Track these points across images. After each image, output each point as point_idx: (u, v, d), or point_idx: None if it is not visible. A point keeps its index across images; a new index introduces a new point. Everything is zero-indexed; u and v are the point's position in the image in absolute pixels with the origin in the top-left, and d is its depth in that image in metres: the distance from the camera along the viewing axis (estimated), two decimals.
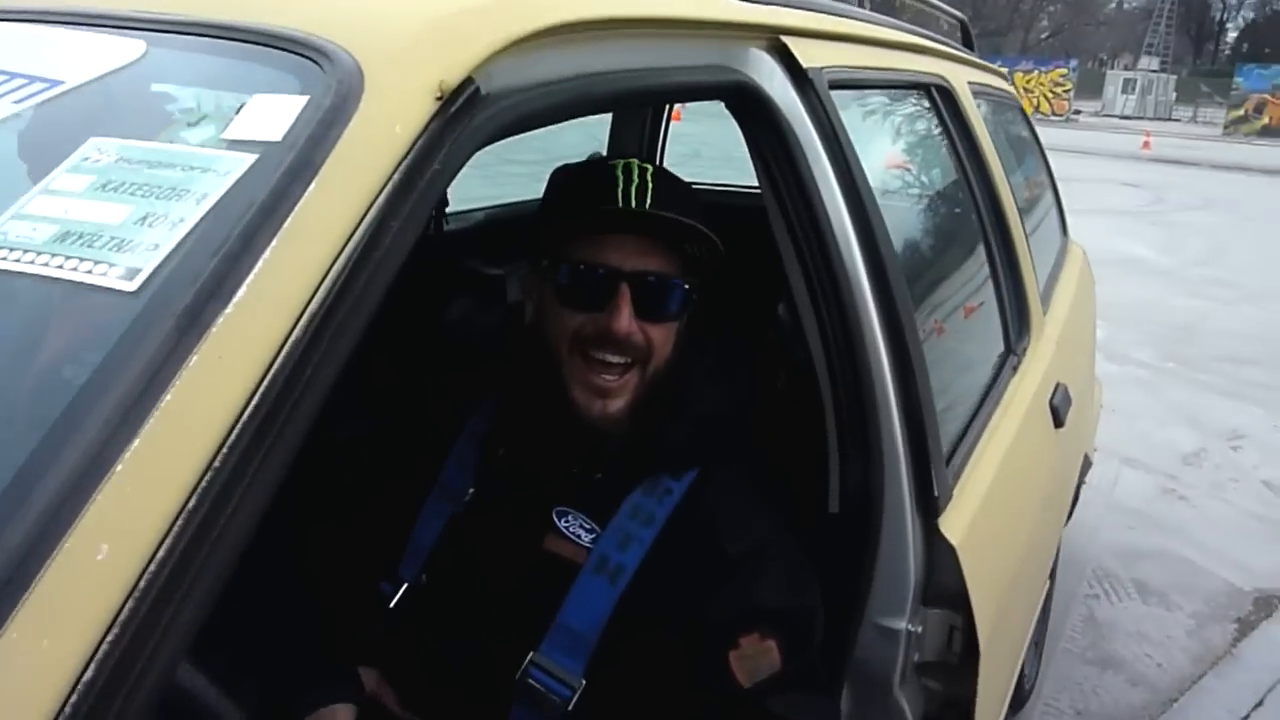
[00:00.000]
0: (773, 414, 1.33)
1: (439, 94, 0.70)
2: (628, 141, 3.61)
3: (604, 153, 3.63)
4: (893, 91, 1.76)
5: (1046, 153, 3.09)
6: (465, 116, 0.71)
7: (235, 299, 0.54)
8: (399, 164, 0.65)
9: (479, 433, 1.29)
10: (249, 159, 0.63)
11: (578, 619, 1.14)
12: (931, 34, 2.21)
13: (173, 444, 0.50)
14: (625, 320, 1.13)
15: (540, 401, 1.20)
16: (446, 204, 2.90)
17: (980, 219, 1.91)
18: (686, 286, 1.18)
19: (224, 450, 0.50)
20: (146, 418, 0.49)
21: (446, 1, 0.80)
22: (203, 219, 0.58)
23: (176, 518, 0.49)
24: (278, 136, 0.64)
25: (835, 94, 1.34)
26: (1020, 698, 2.53)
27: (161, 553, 0.48)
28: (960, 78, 2.05)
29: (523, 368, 1.23)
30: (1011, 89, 3.06)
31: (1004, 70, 2.98)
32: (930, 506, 1.28)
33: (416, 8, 0.78)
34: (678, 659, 1.14)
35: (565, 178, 1.26)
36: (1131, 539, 3.59)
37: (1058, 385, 2.02)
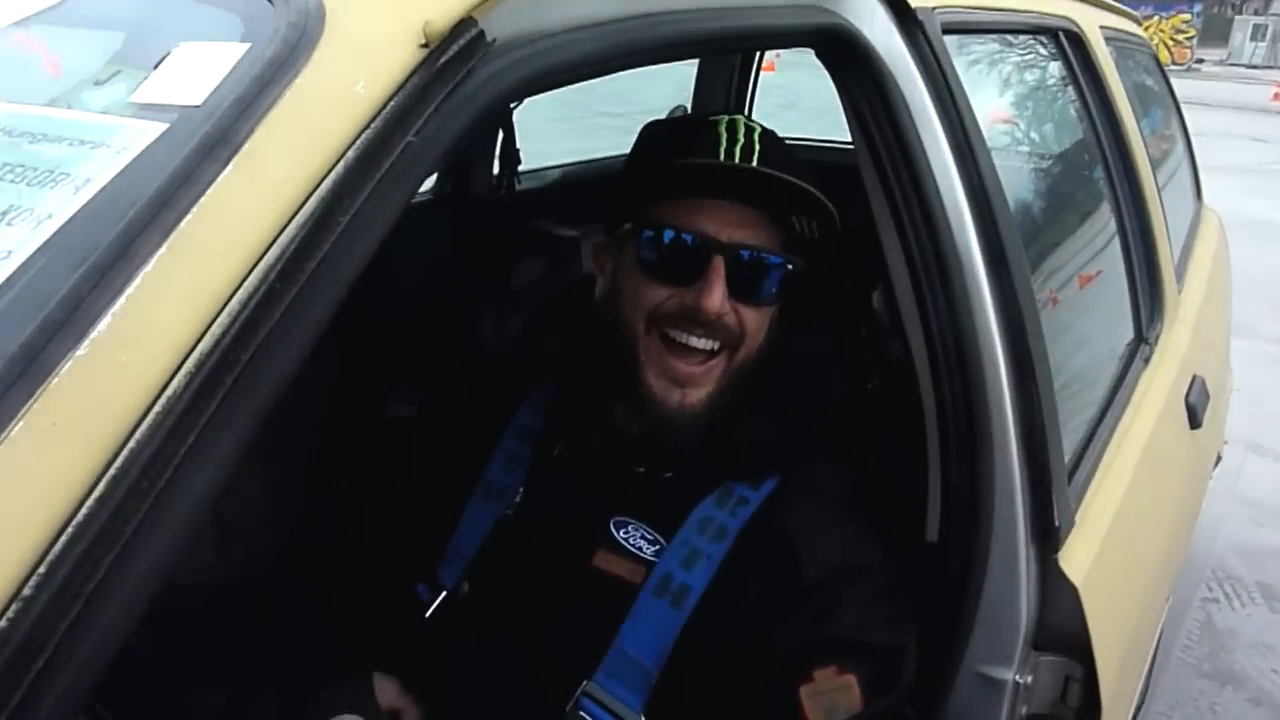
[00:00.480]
0: (862, 421, 1.14)
1: (424, 40, 0.53)
2: (713, 94, 3.39)
3: (689, 108, 3.43)
4: (1015, 37, 1.52)
5: (1181, 107, 2.76)
6: (461, 70, 0.53)
7: (91, 337, 0.38)
8: (356, 137, 0.47)
9: (531, 425, 1.15)
10: (155, 130, 0.46)
11: (637, 646, 0.98)
12: None
13: None
14: (718, 298, 0.97)
15: (607, 389, 1.05)
16: (519, 162, 2.74)
17: (1112, 185, 1.66)
18: (790, 266, 1.01)
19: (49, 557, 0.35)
20: None
21: None
22: (74, 217, 0.42)
23: None
24: (197, 99, 0.47)
25: (948, 39, 1.12)
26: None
27: None
28: (1091, 21, 1.78)
29: (589, 349, 1.07)
30: (1144, 34, 2.74)
31: (1135, 14, 2.65)
32: (1049, 536, 1.08)
33: None
34: (748, 695, 0.98)
35: (657, 132, 1.11)
36: (1257, 536, 3.27)
37: (1194, 378, 1.76)
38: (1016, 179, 1.40)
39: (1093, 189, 1.66)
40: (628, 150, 1.11)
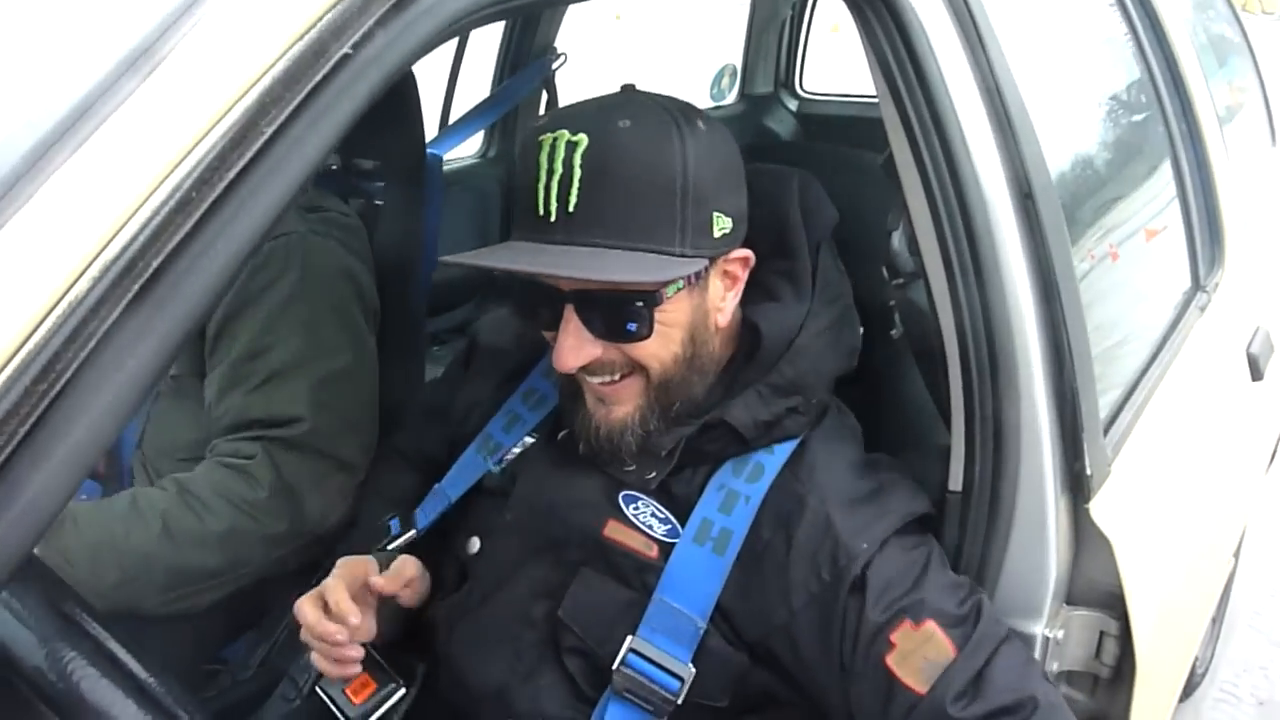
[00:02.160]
0: (883, 370, 1.10)
1: None
2: (763, 52, 3.32)
3: (738, 68, 3.37)
4: None
5: (1255, 52, 2.62)
6: None
7: None
8: (289, 49, 0.46)
9: (539, 390, 1.14)
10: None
11: (680, 597, 0.96)
12: None
13: None
14: (567, 355, 0.91)
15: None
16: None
17: (1168, 128, 1.57)
18: (642, 301, 0.91)
19: None
20: None
21: None
22: None
23: None
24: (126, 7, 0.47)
25: None
26: (1190, 683, 2.22)
27: None
28: None
29: None
30: None
31: None
32: (1080, 486, 1.03)
33: None
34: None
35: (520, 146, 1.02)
36: None
37: (1257, 329, 1.68)
38: (1058, 120, 1.34)
39: (1147, 134, 1.58)
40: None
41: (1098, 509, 1.04)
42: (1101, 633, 1.07)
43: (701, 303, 0.95)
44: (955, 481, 1.03)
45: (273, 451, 1.28)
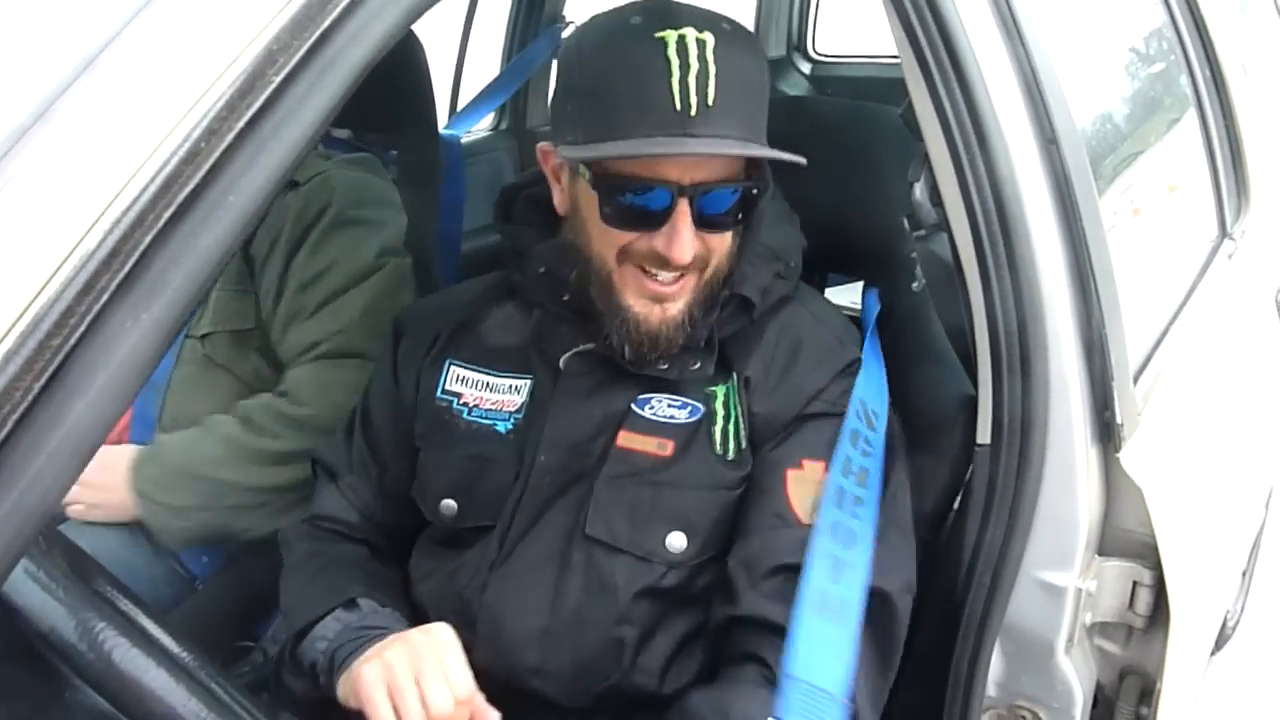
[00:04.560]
0: (906, 322, 1.09)
1: None
2: (775, 12, 3.28)
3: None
4: None
5: None
6: None
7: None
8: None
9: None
10: None
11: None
12: None
13: None
14: (685, 245, 0.95)
15: (589, 306, 1.03)
16: None
17: (1191, 76, 1.54)
18: (754, 188, 0.98)
19: None
20: None
21: None
22: None
23: None
24: None
25: None
26: (1222, 636, 2.21)
27: None
28: None
29: (562, 269, 1.04)
30: None
31: None
32: (1110, 435, 1.02)
33: None
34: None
35: (600, 49, 0.95)
36: None
37: None
38: (1082, 68, 1.31)
39: (1169, 80, 1.55)
40: None
41: (1128, 458, 1.02)
42: (1135, 583, 1.06)
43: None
44: (984, 434, 1.02)
45: (320, 370, 1.36)
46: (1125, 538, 1.04)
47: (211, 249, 0.41)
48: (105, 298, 0.36)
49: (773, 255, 1.07)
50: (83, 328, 0.36)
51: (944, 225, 1.01)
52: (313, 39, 0.44)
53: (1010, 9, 0.99)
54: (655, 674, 1.01)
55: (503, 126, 2.63)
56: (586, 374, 1.06)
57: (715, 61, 0.89)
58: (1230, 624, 2.27)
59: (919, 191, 1.06)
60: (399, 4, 0.50)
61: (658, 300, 0.99)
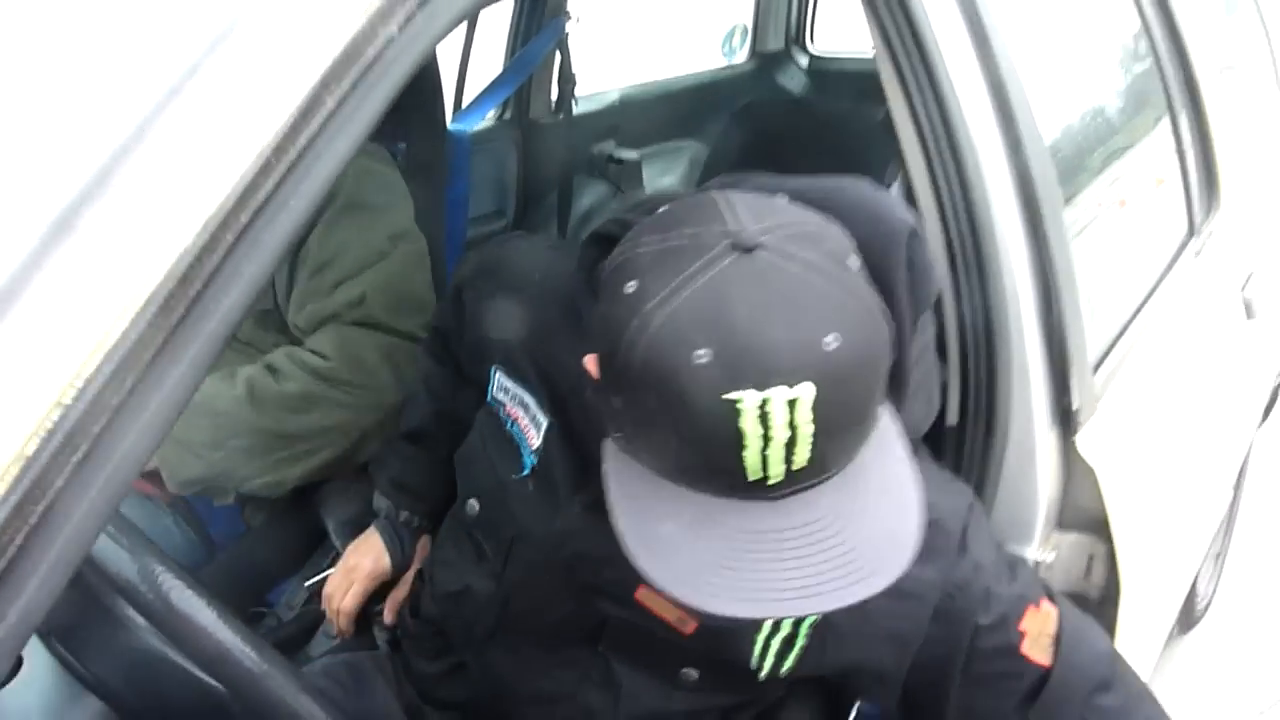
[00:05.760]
0: None
1: None
2: (773, 8, 3.35)
3: (749, 27, 3.39)
4: None
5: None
6: None
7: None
8: (344, 34, 0.53)
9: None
10: None
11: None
12: None
13: None
14: None
15: None
16: (574, 84, 2.76)
17: (1164, 80, 1.62)
18: None
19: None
20: None
21: None
22: None
23: None
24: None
25: None
26: (1192, 617, 2.30)
27: None
28: None
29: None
30: None
31: None
32: (1068, 420, 1.11)
33: None
34: None
35: (651, 373, 0.68)
36: None
37: (1252, 271, 1.73)
38: (1052, 74, 1.39)
39: (1140, 84, 1.62)
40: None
41: (1084, 441, 1.11)
42: (1090, 556, 1.15)
43: None
44: (953, 415, 1.10)
45: (340, 330, 1.43)
46: (1081, 514, 1.13)
47: (277, 243, 0.49)
48: (198, 286, 0.45)
49: None
50: (182, 310, 0.44)
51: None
52: (360, 70, 0.53)
53: (981, 24, 1.07)
54: None
55: (506, 117, 2.70)
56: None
57: (815, 420, 0.66)
58: (1201, 605, 2.37)
59: (895, 191, 1.14)
60: (431, 33, 0.58)
61: None
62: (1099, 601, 1.16)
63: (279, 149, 0.49)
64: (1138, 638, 1.30)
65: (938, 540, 0.87)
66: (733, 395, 0.65)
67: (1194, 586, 2.22)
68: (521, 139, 2.67)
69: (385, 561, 1.29)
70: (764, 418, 0.65)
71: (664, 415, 0.68)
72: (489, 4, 0.66)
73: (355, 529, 1.53)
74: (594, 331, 0.74)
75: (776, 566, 0.69)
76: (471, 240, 2.12)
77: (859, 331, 0.68)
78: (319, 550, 1.66)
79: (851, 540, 0.70)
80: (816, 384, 0.65)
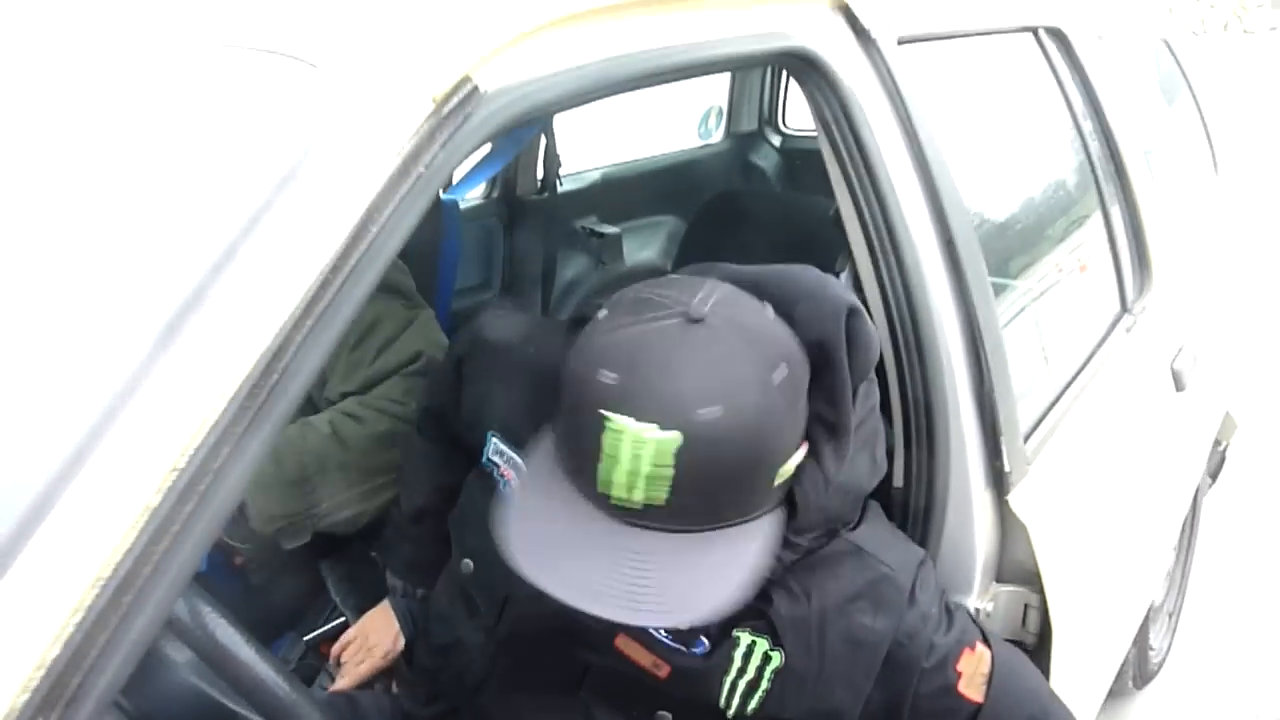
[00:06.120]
0: None
1: (435, 97, 0.72)
2: (746, 95, 3.55)
3: (724, 109, 3.59)
4: (991, 40, 1.66)
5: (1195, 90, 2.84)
6: (460, 117, 0.73)
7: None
8: (385, 170, 0.67)
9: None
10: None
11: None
12: None
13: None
14: None
15: None
16: (559, 164, 2.93)
17: (1093, 172, 1.79)
18: None
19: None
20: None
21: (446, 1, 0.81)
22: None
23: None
24: (273, 140, 0.68)
25: (913, 48, 1.28)
26: (1146, 672, 2.42)
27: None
28: (1081, 18, 1.91)
29: None
30: (1161, 21, 2.84)
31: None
32: (1000, 481, 1.24)
33: (417, 6, 0.80)
34: None
35: (573, 369, 0.85)
36: None
37: (1182, 346, 1.89)
38: (988, 171, 1.55)
39: (1072, 178, 1.79)
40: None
41: (1016, 500, 1.24)
42: (1025, 605, 1.27)
43: None
44: (899, 478, 1.23)
45: (405, 380, 1.60)
46: (1016, 567, 1.26)
47: (332, 338, 0.62)
48: (276, 377, 0.58)
49: (816, 528, 0.99)
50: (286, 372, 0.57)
51: (865, 308, 1.24)
52: (394, 205, 0.67)
53: (915, 132, 1.22)
54: None
55: (494, 195, 2.86)
56: None
57: (675, 467, 0.78)
58: (1156, 660, 2.48)
59: (844, 279, 1.29)
60: (451, 162, 0.72)
61: None
62: (1035, 647, 1.28)
63: (335, 268, 0.62)
64: (1076, 681, 1.42)
65: (889, 594, 1.01)
66: (610, 415, 0.78)
67: (1147, 642, 2.34)
68: (508, 215, 2.82)
69: (401, 643, 1.39)
70: (624, 443, 0.78)
71: (566, 411, 0.84)
72: (498, 137, 0.80)
73: (354, 584, 1.64)
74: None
75: (600, 568, 0.81)
76: (458, 311, 2.26)
77: (748, 417, 0.80)
78: (313, 607, 1.76)
79: (662, 584, 0.81)
80: (685, 439, 0.77)
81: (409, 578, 1.41)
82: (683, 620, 0.84)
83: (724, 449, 0.79)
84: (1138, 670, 2.34)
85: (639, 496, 0.80)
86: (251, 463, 0.56)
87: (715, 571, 0.82)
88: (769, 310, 0.90)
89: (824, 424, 0.92)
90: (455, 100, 0.73)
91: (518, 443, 1.08)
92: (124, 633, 0.51)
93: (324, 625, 1.72)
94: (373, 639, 1.40)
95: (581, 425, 0.81)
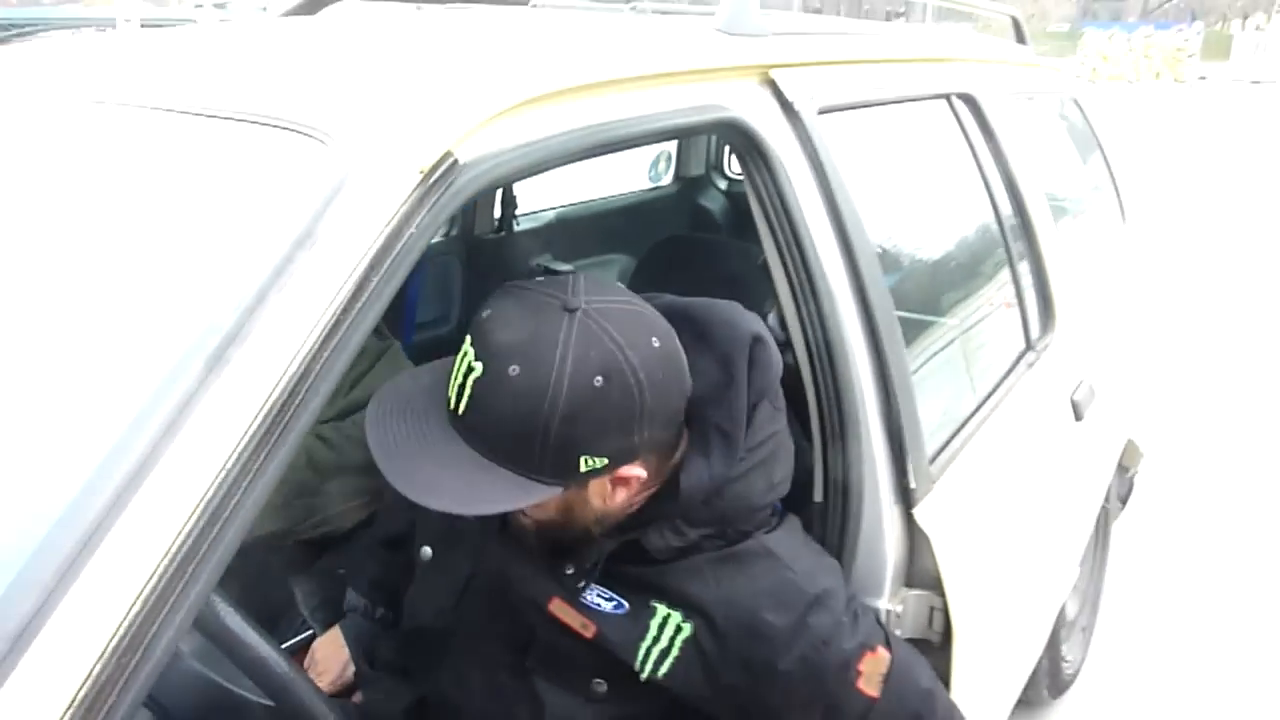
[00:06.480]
0: None
1: (422, 169, 0.88)
2: (692, 148, 3.76)
3: (673, 154, 3.80)
4: (905, 107, 1.86)
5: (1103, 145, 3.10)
6: (443, 185, 0.89)
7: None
8: (382, 230, 0.83)
9: None
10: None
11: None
12: (963, 41, 2.29)
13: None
14: None
15: None
16: (516, 205, 3.09)
17: (1000, 225, 1.99)
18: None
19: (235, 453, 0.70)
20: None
21: (434, 84, 0.97)
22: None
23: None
24: (286, 207, 0.83)
25: (834, 117, 1.47)
26: (1059, 682, 2.60)
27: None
28: (990, 83, 2.13)
29: None
30: (1069, 82, 3.10)
31: (1056, 66, 3.01)
32: (907, 496, 1.41)
33: (409, 91, 0.96)
34: None
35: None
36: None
37: (1081, 380, 2.10)
38: (901, 227, 1.75)
39: (980, 230, 2.00)
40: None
41: (921, 513, 1.41)
42: (931, 608, 1.44)
43: (579, 496, 1.09)
44: (818, 494, 1.40)
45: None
46: (923, 573, 1.43)
47: (340, 369, 0.77)
48: (296, 404, 0.72)
49: (706, 522, 1.15)
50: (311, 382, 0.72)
51: (789, 345, 1.41)
52: (386, 266, 0.82)
53: (834, 197, 1.40)
54: None
55: (453, 234, 3.01)
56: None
57: (471, 389, 1.00)
58: (1070, 671, 2.67)
59: (771, 319, 1.46)
60: (438, 221, 0.88)
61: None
62: (940, 646, 1.45)
63: (345, 309, 0.77)
64: (981, 680, 1.59)
65: (790, 597, 1.16)
66: (468, 338, 1.03)
67: (1059, 653, 2.53)
68: (466, 253, 2.98)
69: (350, 671, 1.49)
70: (462, 359, 1.02)
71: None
72: (470, 203, 0.95)
73: (321, 598, 1.76)
74: None
75: (411, 457, 1.03)
76: (418, 343, 2.41)
77: (539, 383, 0.98)
78: (285, 617, 1.88)
79: (434, 478, 1.02)
80: (485, 374, 0.99)
81: (371, 595, 1.53)
82: (430, 502, 1.02)
83: (503, 399, 0.99)
84: (1051, 680, 2.53)
85: (462, 408, 1.01)
86: (281, 465, 0.71)
87: (477, 490, 1.01)
88: (670, 340, 1.08)
89: (720, 431, 1.14)
90: (439, 172, 0.89)
91: None
92: (184, 599, 0.65)
93: (292, 640, 1.84)
94: (320, 666, 1.51)
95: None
